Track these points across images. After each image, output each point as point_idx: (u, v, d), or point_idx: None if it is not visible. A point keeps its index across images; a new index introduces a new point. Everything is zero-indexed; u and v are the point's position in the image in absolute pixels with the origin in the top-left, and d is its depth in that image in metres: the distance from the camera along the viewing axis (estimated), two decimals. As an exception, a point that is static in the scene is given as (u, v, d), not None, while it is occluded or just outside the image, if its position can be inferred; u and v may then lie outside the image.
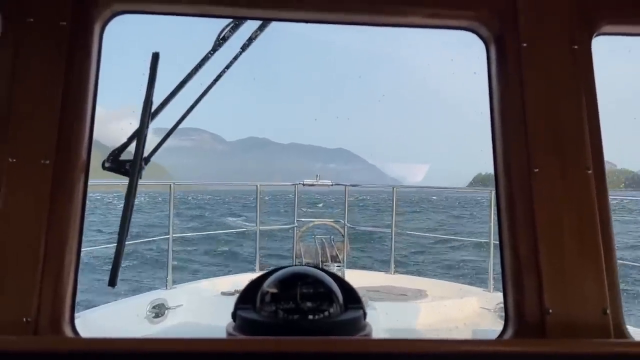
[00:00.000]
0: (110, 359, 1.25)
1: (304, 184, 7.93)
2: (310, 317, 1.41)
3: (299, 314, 1.41)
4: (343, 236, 7.85)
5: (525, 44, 1.65)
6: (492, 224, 6.57)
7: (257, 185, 7.48)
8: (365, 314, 1.52)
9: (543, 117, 1.63)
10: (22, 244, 1.46)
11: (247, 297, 1.51)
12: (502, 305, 5.50)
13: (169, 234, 6.17)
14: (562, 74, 1.65)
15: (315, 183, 8.04)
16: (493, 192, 6.69)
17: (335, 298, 1.48)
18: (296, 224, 7.71)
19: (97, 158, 1.68)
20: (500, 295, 6.23)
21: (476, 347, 1.34)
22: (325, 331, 1.41)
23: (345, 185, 8.14)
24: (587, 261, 1.55)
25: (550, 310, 1.52)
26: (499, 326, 5.42)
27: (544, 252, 1.55)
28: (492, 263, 6.43)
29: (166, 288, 5.98)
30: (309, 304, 1.42)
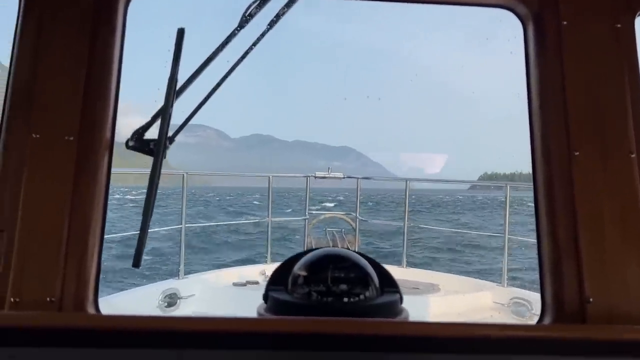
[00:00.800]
0: (134, 337, 1.20)
1: (315, 176, 7.88)
2: (345, 299, 1.37)
3: (333, 296, 1.37)
4: (354, 229, 7.81)
5: (565, 22, 1.58)
6: (507, 218, 6.49)
7: (269, 177, 7.44)
8: (401, 298, 1.47)
9: (584, 99, 1.56)
10: (46, 222, 1.43)
11: (279, 278, 1.46)
12: (516, 300, 5.43)
13: (181, 224, 6.15)
14: (604, 54, 1.58)
15: (327, 175, 7.99)
16: (508, 187, 6.63)
17: (371, 281, 1.43)
18: (307, 216, 7.67)
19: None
20: (514, 290, 6.21)
21: (516, 332, 1.29)
22: (361, 315, 1.36)
23: (357, 178, 8.09)
24: (629, 248, 1.48)
25: (591, 299, 1.46)
26: (513, 321, 5.37)
27: (584, 239, 1.49)
28: (507, 258, 6.37)
29: (178, 278, 5.97)
30: (343, 286, 1.38)
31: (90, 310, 1.44)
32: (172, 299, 5.65)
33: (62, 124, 1.47)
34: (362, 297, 1.39)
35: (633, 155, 1.53)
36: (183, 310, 5.65)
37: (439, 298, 6.09)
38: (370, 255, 1.60)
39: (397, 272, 7.46)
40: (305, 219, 7.67)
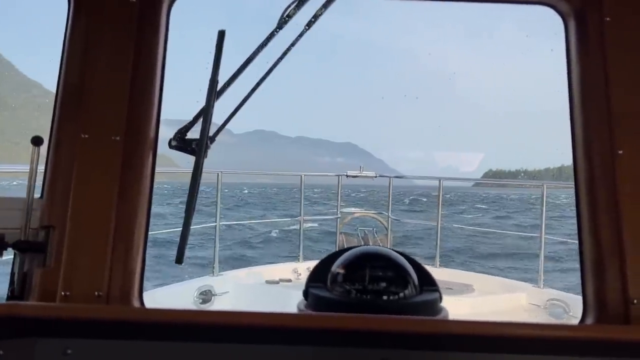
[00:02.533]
0: (177, 330, 1.24)
1: (347, 175, 7.88)
2: (384, 297, 1.38)
3: (372, 294, 1.38)
4: (386, 228, 7.77)
5: (608, 19, 1.55)
6: (543, 217, 6.35)
7: (301, 176, 7.48)
8: (441, 297, 1.47)
9: (627, 97, 1.53)
10: (94, 220, 1.48)
11: (319, 275, 1.48)
12: (553, 301, 5.31)
13: (216, 222, 6.25)
14: None
15: (359, 174, 7.96)
16: (545, 186, 6.48)
17: (411, 279, 1.43)
18: (339, 215, 7.68)
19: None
20: (551, 291, 6.08)
21: (558, 332, 1.28)
22: (400, 312, 1.37)
23: (390, 177, 8.05)
24: None
25: (636, 301, 1.43)
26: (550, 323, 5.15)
27: (628, 239, 1.46)
28: (543, 258, 6.23)
29: (213, 275, 6.06)
30: (383, 284, 1.39)
31: (136, 304, 1.49)
32: (206, 296, 5.74)
33: (109, 124, 1.53)
34: (401, 295, 1.39)
35: None
36: (217, 306, 5.74)
37: (473, 298, 6.00)
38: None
39: (430, 272, 7.38)
40: (337, 218, 7.68)
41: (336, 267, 1.46)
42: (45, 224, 1.49)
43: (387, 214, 7.80)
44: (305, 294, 1.47)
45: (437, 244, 7.15)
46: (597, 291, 1.50)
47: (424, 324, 1.26)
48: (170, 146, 1.70)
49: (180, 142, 1.69)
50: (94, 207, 1.49)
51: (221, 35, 1.59)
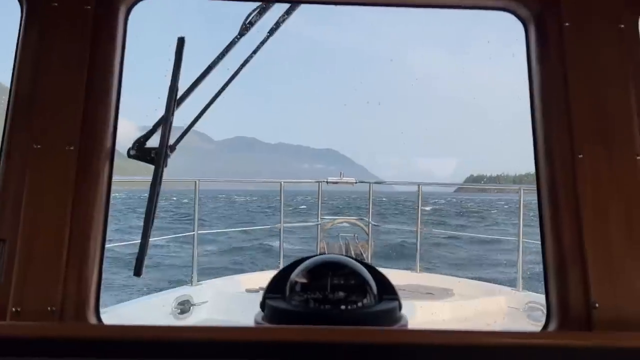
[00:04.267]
0: (135, 347, 1.20)
1: (327, 182, 7.87)
2: (343, 307, 1.35)
3: (331, 303, 1.35)
4: (367, 234, 7.77)
5: (567, 24, 1.56)
6: (520, 222, 6.41)
7: (280, 183, 7.46)
8: (400, 306, 1.45)
9: (587, 101, 1.53)
10: (47, 232, 1.44)
11: (277, 286, 1.46)
12: (531, 304, 5.37)
13: (194, 231, 6.18)
14: (608, 55, 1.55)
15: (339, 181, 7.97)
16: (522, 190, 6.54)
17: (369, 288, 1.41)
18: (320, 222, 7.67)
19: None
20: (529, 294, 6.12)
21: (519, 340, 1.27)
22: (359, 322, 1.35)
23: (370, 183, 8.06)
24: (636, 252, 1.45)
25: (597, 304, 1.43)
26: (528, 326, 5.30)
27: (589, 243, 1.46)
28: (521, 262, 6.28)
29: (191, 285, 6.00)
30: (341, 293, 1.36)
31: (92, 319, 1.45)
32: (184, 306, 5.67)
33: (62, 133, 1.48)
34: (359, 304, 1.37)
35: (639, 158, 1.50)
36: (196, 317, 5.67)
37: (453, 303, 6.03)
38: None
39: (411, 277, 7.39)
40: (317, 224, 7.67)
41: (294, 277, 1.43)
42: None
43: (367, 219, 7.81)
44: (262, 305, 1.45)
45: (417, 249, 7.16)
46: (560, 296, 1.50)
47: (374, 334, 1.23)
48: (129, 155, 1.66)
49: (139, 151, 1.65)
50: (47, 219, 1.44)
51: (181, 42, 1.57)
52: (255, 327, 1.38)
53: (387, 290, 1.46)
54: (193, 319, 5.61)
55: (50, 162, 1.47)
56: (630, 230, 1.46)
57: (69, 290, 1.43)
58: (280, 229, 7.21)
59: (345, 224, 8.11)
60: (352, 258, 1.52)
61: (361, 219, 8.19)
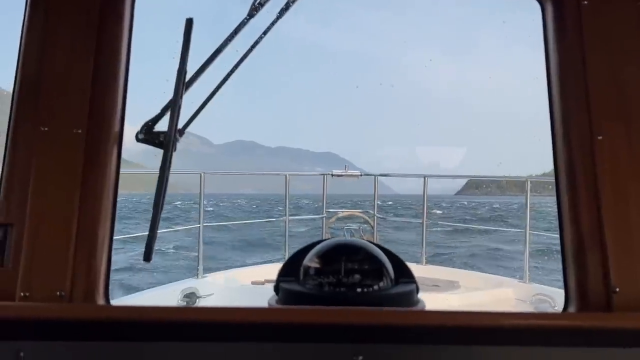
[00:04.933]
0: (144, 328, 1.18)
1: (332, 175, 7.84)
2: (359, 290, 1.32)
3: (347, 287, 1.32)
4: (372, 227, 7.75)
5: (585, 2, 1.52)
6: (527, 212, 6.36)
7: (286, 175, 7.43)
8: (418, 289, 1.42)
9: (606, 80, 1.49)
10: (54, 216, 1.41)
11: (291, 269, 1.43)
12: (538, 296, 5.31)
13: (199, 223, 6.17)
14: (627, 34, 1.51)
15: (343, 173, 7.94)
16: (528, 182, 6.49)
17: (386, 271, 1.38)
18: (325, 214, 7.64)
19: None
20: (536, 286, 6.08)
21: (539, 321, 1.24)
22: (375, 305, 1.32)
23: (375, 175, 8.03)
24: None
25: (617, 289, 1.39)
26: (536, 317, 5.14)
27: (609, 226, 1.42)
28: (528, 254, 6.24)
29: (197, 277, 5.99)
30: (357, 276, 1.33)
31: (101, 302, 1.42)
32: (190, 298, 5.66)
33: (70, 117, 1.46)
34: (375, 287, 1.34)
35: None
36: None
37: (459, 295, 6.00)
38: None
39: (416, 269, 7.36)
40: (322, 217, 7.64)
41: (308, 260, 1.40)
42: (2, 222, 1.41)
43: (373, 212, 7.78)
44: (276, 288, 1.42)
45: (423, 241, 7.13)
46: (579, 280, 1.46)
47: (394, 315, 1.21)
48: (138, 139, 1.63)
49: (148, 135, 1.62)
50: (55, 204, 1.42)
51: (189, 23, 1.53)
52: (269, 308, 1.35)
53: (404, 273, 1.43)
54: (181, 306, 5.60)
55: (57, 145, 1.44)
56: None
57: (78, 275, 1.40)
58: (285, 222, 7.19)
59: (350, 217, 8.07)
60: (368, 241, 1.48)
61: (366, 211, 8.16)
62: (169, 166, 1.56)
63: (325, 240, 1.48)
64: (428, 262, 7.09)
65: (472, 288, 6.22)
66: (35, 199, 1.41)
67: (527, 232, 6.29)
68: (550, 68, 1.58)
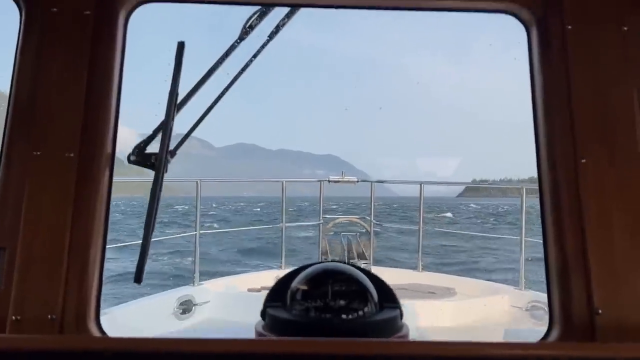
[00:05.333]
0: (136, 359, 1.20)
1: (329, 181, 7.86)
2: (344, 316, 1.34)
3: (332, 312, 1.35)
4: (369, 233, 7.76)
5: (570, 26, 1.55)
6: (523, 220, 6.39)
7: (282, 182, 7.45)
8: (402, 314, 1.44)
9: (590, 104, 1.52)
10: (47, 239, 1.43)
11: (277, 294, 1.45)
12: (534, 303, 5.33)
13: (195, 231, 6.18)
14: (611, 58, 1.54)
15: (340, 179, 7.96)
16: (524, 189, 6.52)
17: (370, 296, 1.41)
18: (322, 221, 7.66)
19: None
20: (532, 293, 6.10)
21: (520, 351, 1.25)
22: (360, 331, 1.34)
23: (371, 182, 8.05)
24: (639, 257, 1.44)
25: (600, 311, 1.42)
26: (531, 325, 5.26)
27: (592, 249, 1.45)
28: (524, 260, 6.26)
29: (193, 285, 6.00)
30: (342, 302, 1.35)
31: (92, 327, 1.44)
32: (187, 306, 5.67)
33: (62, 140, 1.48)
34: (360, 313, 1.36)
35: None
36: (198, 317, 5.67)
37: (455, 302, 6.01)
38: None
39: (413, 276, 7.36)
40: (319, 224, 7.66)
41: (294, 286, 1.42)
42: None
43: (369, 218, 7.80)
44: (263, 314, 1.44)
45: (419, 248, 7.15)
46: (562, 302, 1.49)
47: (383, 346, 1.23)
48: (129, 161, 1.65)
49: (140, 156, 1.64)
50: (47, 227, 1.44)
51: (180, 46, 1.56)
52: (256, 340, 1.37)
53: (388, 298, 1.45)
54: (195, 320, 5.61)
55: (50, 169, 1.46)
56: (634, 236, 1.45)
57: (70, 299, 1.42)
58: (282, 229, 7.21)
59: (349, 222, 8.09)
60: (353, 266, 1.51)
61: (363, 217, 8.17)
62: (161, 187, 1.58)
63: (312, 264, 1.50)
64: (424, 268, 7.11)
65: (468, 295, 6.24)
66: (28, 223, 1.43)
67: (523, 238, 6.32)
68: (536, 91, 1.60)
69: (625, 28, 1.54)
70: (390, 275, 6.95)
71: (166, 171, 1.62)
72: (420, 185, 7.37)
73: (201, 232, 6.30)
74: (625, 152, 1.49)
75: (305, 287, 1.41)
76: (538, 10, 1.59)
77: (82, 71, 1.52)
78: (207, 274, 6.83)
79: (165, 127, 1.59)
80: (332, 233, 7.77)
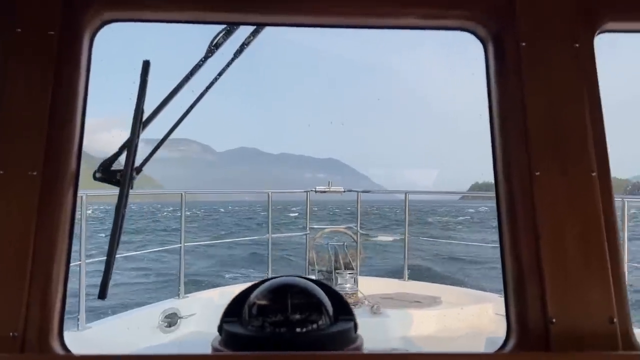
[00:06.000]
0: None
1: (316, 191, 7.88)
2: (298, 329, 1.37)
3: (287, 326, 1.37)
4: (356, 243, 7.78)
5: (524, 43, 1.59)
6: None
7: (268, 193, 7.46)
8: (356, 326, 1.46)
9: (544, 119, 1.56)
10: (9, 257, 1.44)
11: (234, 309, 1.47)
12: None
13: (180, 243, 6.17)
14: (564, 74, 1.59)
15: (327, 190, 7.98)
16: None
17: (325, 309, 1.43)
18: (308, 231, 7.66)
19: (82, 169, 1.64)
20: None
21: None
22: (314, 345, 1.36)
23: (358, 192, 8.08)
24: (592, 268, 1.48)
25: (554, 320, 1.45)
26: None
27: (546, 259, 1.48)
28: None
29: (178, 297, 5.97)
30: (296, 316, 1.38)
31: (55, 345, 1.45)
32: (172, 319, 5.64)
33: (25, 159, 1.49)
34: (314, 326, 1.39)
35: (594, 174, 1.53)
36: (184, 330, 5.64)
37: (440, 311, 6.04)
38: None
39: (398, 285, 7.36)
40: (306, 234, 7.67)
41: (250, 301, 1.45)
42: None
43: (356, 228, 7.82)
44: (220, 329, 1.46)
45: (405, 257, 7.18)
46: (519, 313, 1.52)
47: (335, 358, 1.25)
48: (95, 178, 1.68)
49: (105, 173, 1.66)
50: (10, 245, 1.45)
51: (146, 65, 1.59)
52: (211, 355, 1.39)
53: (343, 310, 1.48)
54: (180, 332, 5.58)
55: (12, 188, 1.48)
56: (586, 246, 1.49)
57: (32, 316, 1.43)
58: (268, 239, 7.20)
59: (336, 233, 8.11)
60: (308, 279, 1.53)
61: (349, 227, 8.19)
62: (125, 204, 1.61)
63: (269, 279, 1.52)
64: (410, 278, 7.13)
65: (453, 304, 6.27)
66: None
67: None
68: (492, 106, 1.65)
69: (577, 45, 1.59)
70: (376, 285, 6.99)
71: (131, 188, 1.64)
72: (405, 194, 7.42)
73: (186, 244, 6.29)
74: (577, 165, 1.53)
75: (260, 302, 1.43)
76: (493, 27, 1.63)
77: (46, 91, 1.53)
78: (194, 284, 6.80)
79: (130, 145, 1.62)
80: (320, 243, 7.78)
